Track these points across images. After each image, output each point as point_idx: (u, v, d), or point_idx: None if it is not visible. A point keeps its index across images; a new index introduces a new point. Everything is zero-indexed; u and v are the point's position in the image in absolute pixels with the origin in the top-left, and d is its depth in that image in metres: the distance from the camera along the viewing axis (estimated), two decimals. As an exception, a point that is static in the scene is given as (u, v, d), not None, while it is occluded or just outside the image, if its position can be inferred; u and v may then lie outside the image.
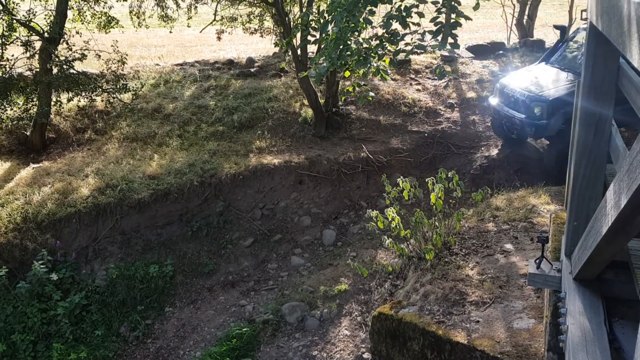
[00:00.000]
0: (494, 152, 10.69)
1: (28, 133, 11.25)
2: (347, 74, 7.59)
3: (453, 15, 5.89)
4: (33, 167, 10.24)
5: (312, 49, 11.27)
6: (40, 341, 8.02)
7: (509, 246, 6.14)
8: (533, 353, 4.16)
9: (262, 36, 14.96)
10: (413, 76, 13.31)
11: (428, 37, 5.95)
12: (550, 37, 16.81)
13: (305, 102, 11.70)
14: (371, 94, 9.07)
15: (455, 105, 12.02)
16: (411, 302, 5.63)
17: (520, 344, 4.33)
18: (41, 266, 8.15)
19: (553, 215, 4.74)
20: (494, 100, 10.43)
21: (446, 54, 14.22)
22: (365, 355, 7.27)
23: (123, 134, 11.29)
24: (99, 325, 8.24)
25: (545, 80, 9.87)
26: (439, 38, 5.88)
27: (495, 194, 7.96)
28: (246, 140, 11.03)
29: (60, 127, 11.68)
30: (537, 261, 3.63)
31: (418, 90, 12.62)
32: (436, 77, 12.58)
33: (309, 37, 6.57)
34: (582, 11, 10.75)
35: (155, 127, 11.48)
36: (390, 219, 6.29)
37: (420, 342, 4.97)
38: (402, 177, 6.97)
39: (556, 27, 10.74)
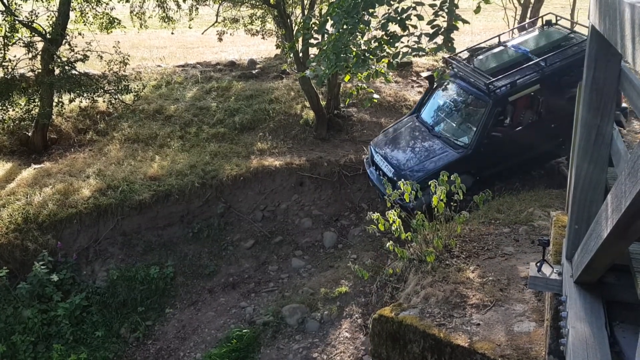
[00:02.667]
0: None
1: (30, 134, 11.26)
2: (347, 78, 7.60)
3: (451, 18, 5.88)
4: (34, 168, 10.25)
5: (313, 51, 11.28)
6: (41, 342, 8.02)
7: (510, 249, 6.13)
8: (534, 356, 4.14)
9: (263, 38, 14.97)
10: (414, 78, 13.30)
11: (425, 39, 5.96)
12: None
13: (307, 104, 11.70)
14: (375, 96, 9.09)
15: (456, 107, 12.02)
16: (412, 304, 5.62)
17: (520, 347, 4.32)
18: (42, 267, 8.16)
19: (554, 218, 4.73)
20: (367, 165, 9.57)
21: (447, 56, 14.20)
22: (366, 358, 7.26)
23: (124, 135, 11.30)
24: (99, 326, 8.24)
25: (412, 147, 8.96)
26: (436, 41, 5.89)
27: (496, 197, 7.94)
28: (247, 141, 11.03)
29: (62, 128, 11.69)
30: (538, 264, 3.62)
31: (420, 92, 12.60)
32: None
33: (311, 41, 6.57)
34: (542, 16, 10.06)
35: (157, 128, 11.48)
36: (391, 222, 6.28)
37: (421, 345, 4.96)
38: (403, 179, 7.01)
39: (426, 77, 9.69)
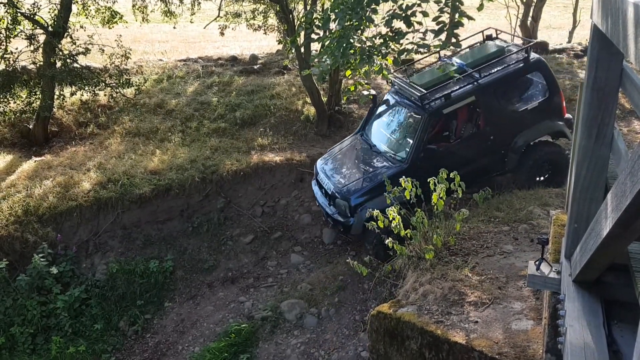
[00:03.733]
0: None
1: (31, 126, 11.27)
2: (348, 73, 7.62)
3: (456, 15, 5.88)
4: (35, 161, 10.26)
5: (315, 46, 11.27)
6: (40, 334, 8.04)
7: (508, 247, 6.14)
8: (531, 355, 4.16)
9: (265, 33, 14.96)
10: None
11: (430, 36, 5.96)
12: (555, 39, 16.81)
13: (308, 100, 11.70)
14: (372, 92, 9.09)
15: (457, 105, 12.01)
16: (410, 301, 5.63)
17: (518, 345, 4.33)
18: (41, 259, 8.17)
19: (554, 217, 4.73)
20: (313, 184, 9.34)
21: (450, 54, 14.17)
22: (364, 354, 7.28)
23: (125, 129, 11.30)
24: (98, 319, 8.25)
25: (352, 165, 8.79)
26: (441, 37, 5.88)
27: (496, 195, 7.95)
28: (248, 137, 11.03)
29: (63, 121, 11.70)
30: (537, 263, 3.63)
31: (421, 90, 12.60)
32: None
33: (313, 36, 6.57)
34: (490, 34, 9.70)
35: (158, 122, 11.49)
36: (391, 219, 6.29)
37: (419, 342, 4.97)
38: (404, 176, 7.00)
39: (368, 96, 9.89)
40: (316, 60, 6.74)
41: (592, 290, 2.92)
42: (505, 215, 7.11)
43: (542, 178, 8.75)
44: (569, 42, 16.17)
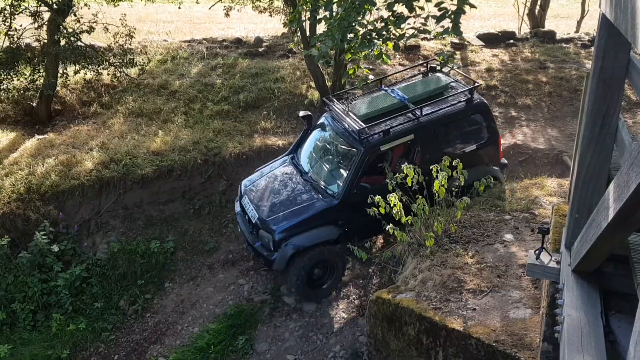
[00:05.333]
0: (501, 141, 10.63)
1: (34, 104, 11.25)
2: (348, 56, 7.57)
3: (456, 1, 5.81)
4: (38, 139, 10.25)
5: (322, 28, 11.20)
6: (40, 311, 8.11)
7: (509, 236, 6.14)
8: (528, 343, 4.18)
9: (271, 15, 14.85)
10: (422, 61, 13.20)
11: (432, 22, 5.89)
12: (562, 29, 16.66)
13: (312, 84, 11.65)
14: (370, 76, 9.02)
15: (462, 93, 11.95)
16: (409, 287, 5.65)
17: (515, 333, 4.35)
18: (43, 237, 8.21)
19: (555, 207, 4.73)
20: (236, 206, 8.72)
21: (456, 41, 14.09)
22: (362, 339, 7.33)
23: (128, 109, 11.27)
24: (99, 298, 8.31)
25: (280, 192, 8.12)
26: (443, 24, 5.82)
27: (498, 184, 7.95)
28: (251, 120, 11.01)
29: (66, 100, 11.67)
30: (537, 252, 3.63)
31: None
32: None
33: (317, 16, 6.51)
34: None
35: (161, 103, 11.45)
36: (392, 205, 6.29)
37: (416, 327, 5.00)
38: (406, 163, 6.95)
39: (302, 117, 8.80)
40: (317, 42, 6.69)
41: (591, 281, 2.93)
42: (506, 204, 7.11)
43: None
44: (577, 31, 16.01)
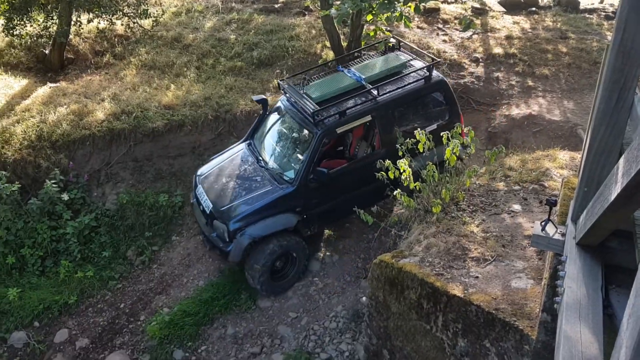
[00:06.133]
0: (515, 111, 10.50)
1: (47, 52, 11.20)
2: (369, 17, 7.40)
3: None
4: (50, 87, 10.25)
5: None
6: (49, 257, 8.25)
7: (517, 207, 6.11)
8: (528, 312, 4.20)
9: (289, -29, 14.55)
10: (441, 26, 12.95)
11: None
12: (587, -2, 16.19)
13: (327, 43, 11.47)
14: (392, 40, 8.84)
15: (480, 60, 11.74)
16: (413, 252, 5.67)
17: (516, 303, 4.37)
18: (53, 185, 8.28)
19: (565, 180, 4.68)
20: (192, 197, 8.41)
21: (477, 5, 13.77)
22: (363, 300, 7.41)
23: (141, 61, 11.20)
24: (107, 247, 8.43)
25: (236, 181, 7.83)
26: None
27: (510, 154, 7.87)
28: (264, 78, 10.90)
29: (79, 49, 11.61)
30: (543, 223, 3.61)
31: (444, 41, 12.31)
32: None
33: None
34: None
35: (174, 56, 11.36)
36: (401, 170, 6.25)
37: (418, 292, 5.03)
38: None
39: (258, 101, 8.45)
40: (337, 2, 6.55)
41: (595, 254, 2.91)
42: (517, 174, 7.04)
43: None
44: (601, 2, 15.55)
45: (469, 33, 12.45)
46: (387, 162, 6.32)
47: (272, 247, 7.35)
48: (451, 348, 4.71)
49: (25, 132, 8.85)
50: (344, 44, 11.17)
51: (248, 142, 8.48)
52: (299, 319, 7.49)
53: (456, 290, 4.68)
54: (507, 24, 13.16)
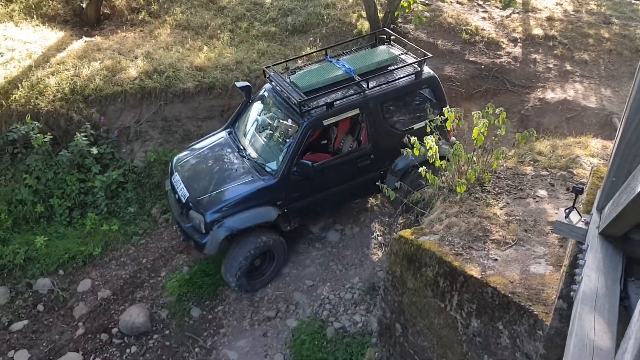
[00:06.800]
0: (550, 95, 10.27)
1: (84, 5, 11.27)
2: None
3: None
4: (85, 41, 10.34)
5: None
6: (76, 209, 8.46)
7: (542, 192, 6.03)
8: (544, 298, 4.18)
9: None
10: (481, 2, 12.64)
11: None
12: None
13: (363, 14, 11.31)
14: (426, 14, 8.65)
15: (519, 40, 11.46)
16: (433, 231, 5.66)
17: (533, 288, 4.35)
18: (83, 138, 8.44)
19: (594, 168, 4.59)
20: (167, 184, 8.07)
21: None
22: (380, 274, 7.46)
23: (176, 21, 11.21)
24: (132, 203, 8.60)
25: (215, 170, 7.50)
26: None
27: (540, 138, 7.73)
28: (297, 45, 10.82)
29: (116, 4, 11.66)
30: (567, 210, 3.56)
31: (483, 18, 12.03)
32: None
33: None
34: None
35: (209, 18, 11.34)
36: (427, 147, 6.20)
37: (435, 270, 5.04)
38: (448, 106, 6.75)
39: (240, 88, 8.07)
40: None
41: (617, 245, 2.87)
42: (546, 159, 6.93)
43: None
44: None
45: (509, 11, 12.14)
46: (413, 138, 6.26)
47: (250, 248, 7.09)
48: (464, 327, 4.72)
49: (59, 84, 8.99)
50: (380, 15, 11.00)
51: (229, 130, 8.13)
52: (315, 287, 7.58)
53: (474, 271, 4.67)
54: (549, 5, 12.78)
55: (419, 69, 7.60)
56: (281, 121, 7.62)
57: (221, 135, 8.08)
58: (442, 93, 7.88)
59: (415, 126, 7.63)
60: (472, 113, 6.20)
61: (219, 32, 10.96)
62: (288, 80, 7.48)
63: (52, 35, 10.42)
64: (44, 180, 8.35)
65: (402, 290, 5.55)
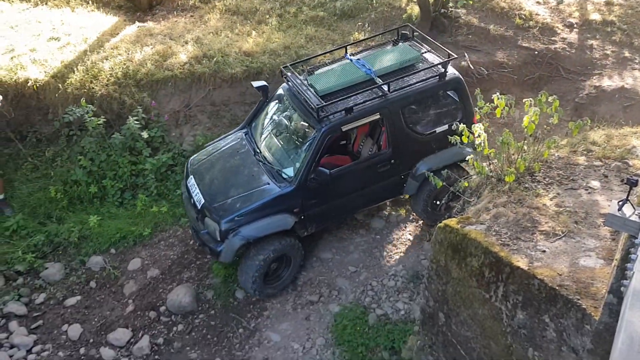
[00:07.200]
0: (606, 83, 9.89)
1: (137, -9, 11.50)
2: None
3: None
4: (138, 26, 10.57)
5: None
6: (128, 190, 8.72)
7: (595, 183, 5.83)
8: (593, 292, 4.06)
9: None
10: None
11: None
12: None
13: (414, -2, 11.13)
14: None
15: (575, 25, 11.04)
16: (480, 220, 5.57)
17: (582, 281, 4.23)
18: (135, 122, 8.66)
19: (652, 159, 4.41)
20: (182, 186, 7.98)
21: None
22: (424, 262, 7.41)
23: (225, 6, 11.31)
24: (181, 186, 8.78)
25: (230, 174, 7.35)
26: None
27: (595, 127, 7.47)
28: (345, 30, 10.75)
29: (167, -10, 11.82)
30: (620, 203, 3.44)
31: (538, 2, 11.63)
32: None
33: None
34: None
35: (258, 3, 11.39)
36: (476, 135, 6.08)
37: (481, 260, 4.97)
38: (499, 93, 6.58)
39: (257, 88, 7.80)
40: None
41: (673, 241, 2.76)
42: (600, 149, 6.68)
43: (438, 202, 7.64)
44: None
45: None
46: (462, 126, 6.15)
47: (267, 252, 6.97)
48: (509, 319, 4.65)
49: (112, 69, 9.23)
50: (431, 0, 10.79)
51: (245, 130, 7.93)
52: (357, 274, 7.60)
53: (520, 263, 4.58)
54: (608, -12, 12.25)
55: (443, 70, 7.29)
56: (298, 124, 7.38)
57: (237, 136, 7.87)
58: (468, 95, 7.51)
59: (438, 129, 7.38)
60: (524, 100, 6.04)
61: (267, 17, 11.00)
62: (306, 82, 7.27)
63: (106, 20, 10.69)
64: (98, 162, 8.63)
65: (446, 280, 5.50)
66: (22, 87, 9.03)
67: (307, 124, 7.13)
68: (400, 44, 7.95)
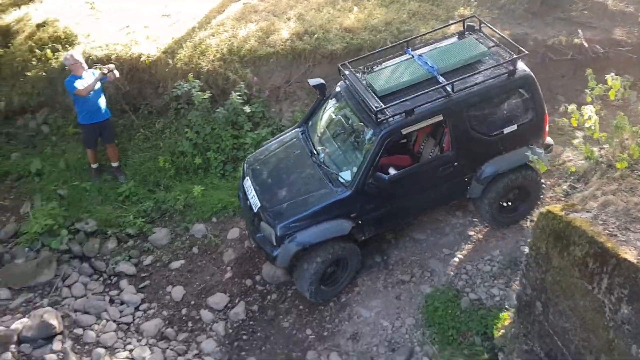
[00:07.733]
0: None
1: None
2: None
3: None
4: (243, 3, 10.84)
5: None
6: (229, 163, 9.09)
7: None
8: None
9: None
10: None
11: None
12: None
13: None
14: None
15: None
16: (586, 208, 5.28)
17: (698, 279, 3.92)
18: (238, 97, 8.95)
19: None
20: (239, 187, 7.74)
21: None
22: (523, 248, 7.16)
23: (328, -18, 11.28)
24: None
25: (286, 176, 7.09)
26: None
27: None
28: (449, 5, 10.38)
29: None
30: None
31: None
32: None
33: None
34: None
35: (361, -22, 11.26)
36: (586, 117, 5.72)
37: (585, 250, 4.73)
38: (613, 74, 6.11)
39: (314, 85, 7.42)
40: None
41: None
42: None
43: (505, 204, 7.39)
44: None
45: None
46: (571, 107, 5.79)
47: (323, 257, 6.80)
48: (612, 313, 4.41)
49: (218, 45, 9.57)
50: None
51: (302, 129, 7.68)
52: (451, 256, 7.47)
53: (628, 255, 4.31)
54: None
55: (513, 67, 6.77)
56: (356, 125, 7.09)
57: (294, 136, 7.68)
58: (539, 93, 7.01)
59: (506, 130, 6.95)
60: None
61: (370, -8, 10.87)
62: (364, 81, 6.96)
63: (213, -2, 11.06)
64: (203, 135, 9.05)
65: (546, 268, 5.29)
66: (136, 62, 9.62)
67: (365, 126, 6.83)
68: (466, 36, 7.49)
